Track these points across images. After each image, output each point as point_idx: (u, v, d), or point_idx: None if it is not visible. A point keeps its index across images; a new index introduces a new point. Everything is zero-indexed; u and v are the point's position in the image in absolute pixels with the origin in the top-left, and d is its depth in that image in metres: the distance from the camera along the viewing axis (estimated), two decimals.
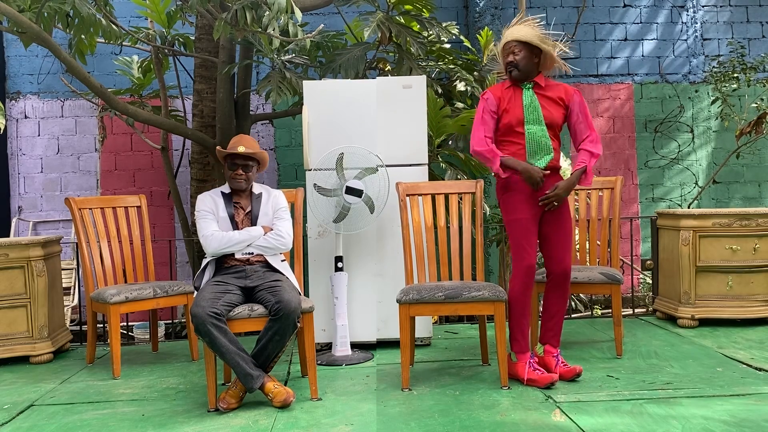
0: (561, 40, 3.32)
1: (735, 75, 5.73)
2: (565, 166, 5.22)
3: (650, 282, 5.44)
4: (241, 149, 3.24)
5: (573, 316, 5.25)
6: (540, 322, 3.40)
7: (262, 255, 3.21)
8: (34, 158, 6.16)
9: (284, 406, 2.92)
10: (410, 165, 3.97)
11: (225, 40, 4.79)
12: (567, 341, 3.98)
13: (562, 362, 3.25)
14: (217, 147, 3.34)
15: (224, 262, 3.21)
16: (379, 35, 4.61)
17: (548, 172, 3.20)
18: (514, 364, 3.23)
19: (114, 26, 4.36)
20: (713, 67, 6.09)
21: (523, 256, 3.17)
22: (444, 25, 5.07)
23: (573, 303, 5.51)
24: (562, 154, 5.32)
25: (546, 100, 3.25)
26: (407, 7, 4.89)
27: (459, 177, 4.76)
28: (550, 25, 6.27)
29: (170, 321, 5.30)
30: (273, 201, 3.34)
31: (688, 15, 6.40)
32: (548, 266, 3.28)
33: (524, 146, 3.19)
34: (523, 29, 3.24)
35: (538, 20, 3.29)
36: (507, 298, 3.16)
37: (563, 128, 3.35)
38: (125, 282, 3.94)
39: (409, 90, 4.00)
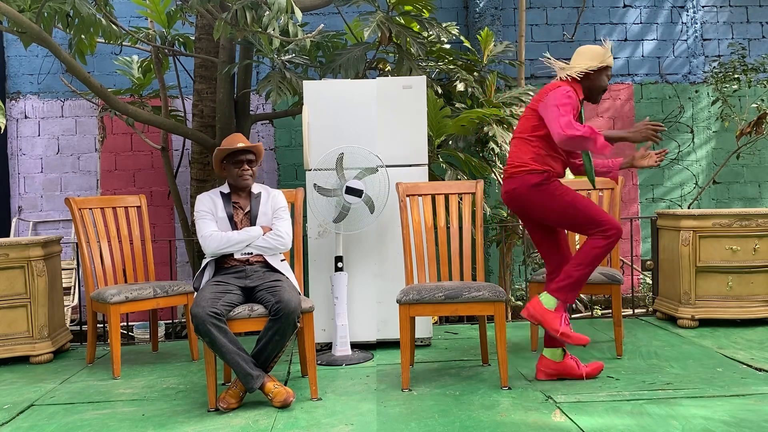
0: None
1: (736, 76, 5.73)
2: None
3: (650, 282, 5.43)
4: (240, 145, 3.24)
5: (573, 316, 5.25)
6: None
7: (261, 255, 3.21)
8: (34, 158, 6.16)
9: (284, 406, 2.92)
10: (410, 165, 3.97)
11: (225, 40, 4.79)
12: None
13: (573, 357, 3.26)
14: (216, 149, 3.29)
15: (224, 263, 3.20)
16: (379, 35, 4.60)
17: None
18: (547, 313, 3.01)
19: (114, 26, 4.35)
20: (714, 67, 6.09)
21: (609, 218, 3.00)
22: (444, 25, 5.07)
23: (573, 303, 5.50)
24: None
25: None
26: (407, 7, 4.89)
27: (459, 177, 4.76)
28: (548, 25, 6.28)
29: (170, 321, 5.30)
30: (272, 201, 3.33)
31: (688, 15, 6.40)
32: (548, 266, 3.28)
33: (582, 163, 3.26)
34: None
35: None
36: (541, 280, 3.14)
37: None
38: (125, 282, 3.94)
39: (409, 90, 3.99)
